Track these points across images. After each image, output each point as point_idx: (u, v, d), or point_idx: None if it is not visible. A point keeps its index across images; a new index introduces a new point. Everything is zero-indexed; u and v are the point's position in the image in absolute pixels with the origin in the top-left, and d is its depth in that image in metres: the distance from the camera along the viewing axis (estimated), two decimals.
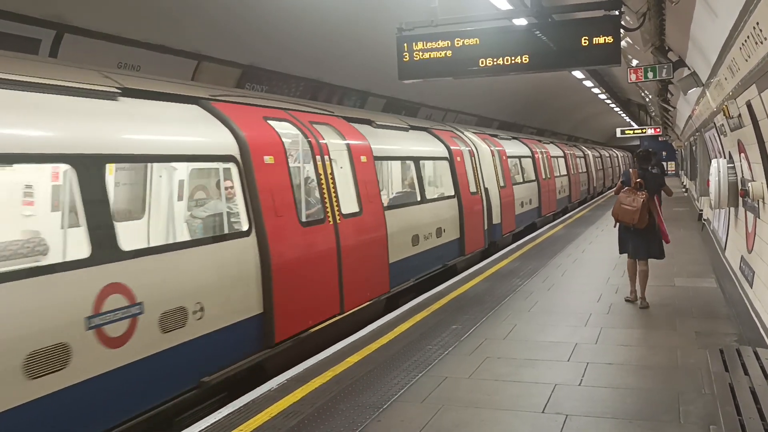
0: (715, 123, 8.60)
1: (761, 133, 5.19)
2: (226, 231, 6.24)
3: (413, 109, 14.45)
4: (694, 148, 19.01)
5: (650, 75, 8.29)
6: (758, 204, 6.01)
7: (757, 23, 3.47)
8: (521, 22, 6.87)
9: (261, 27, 8.17)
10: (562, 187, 21.05)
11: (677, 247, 11.58)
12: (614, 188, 7.90)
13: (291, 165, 6.54)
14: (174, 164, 6.76)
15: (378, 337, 6.42)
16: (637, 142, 42.27)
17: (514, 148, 16.34)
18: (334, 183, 7.11)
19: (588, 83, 20.09)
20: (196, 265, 5.05)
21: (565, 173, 22.36)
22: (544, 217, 17.80)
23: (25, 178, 5.95)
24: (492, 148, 13.81)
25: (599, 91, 22.78)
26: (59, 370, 3.88)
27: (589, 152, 29.27)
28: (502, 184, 13.61)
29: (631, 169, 7.55)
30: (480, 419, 4.38)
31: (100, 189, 4.37)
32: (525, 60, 6.06)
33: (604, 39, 5.77)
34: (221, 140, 5.72)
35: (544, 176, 18.23)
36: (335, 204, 7.05)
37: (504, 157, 14.39)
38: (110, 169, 5.19)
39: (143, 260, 4.58)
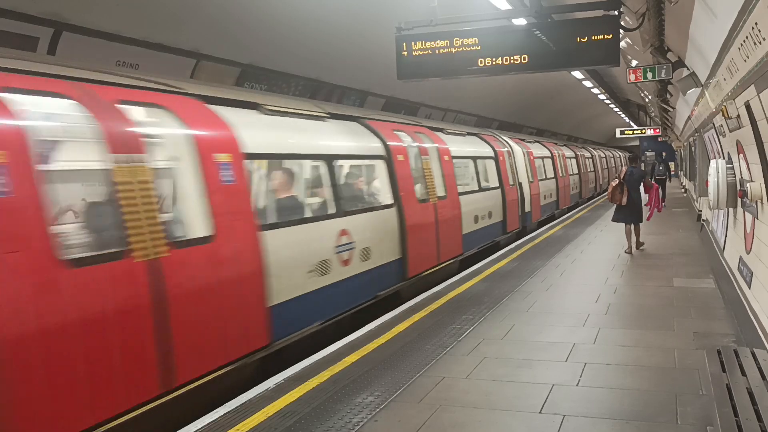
0: (714, 124, 8.59)
1: (760, 134, 5.18)
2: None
3: (412, 109, 14.44)
4: (693, 148, 19.00)
5: (649, 75, 8.29)
6: (757, 205, 6.00)
7: (756, 23, 3.46)
8: (520, 21, 6.87)
9: (260, 26, 8.16)
10: (478, 211, 11.91)
11: (676, 248, 11.60)
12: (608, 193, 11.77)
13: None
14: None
15: (376, 337, 6.42)
16: (637, 143, 42.33)
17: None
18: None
19: (587, 83, 20.11)
20: None
21: (494, 185, 13.24)
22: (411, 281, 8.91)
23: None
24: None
25: (599, 92, 22.81)
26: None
27: (553, 151, 20.08)
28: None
29: (624, 166, 11.76)
30: (477, 419, 4.37)
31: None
32: (524, 60, 6.07)
33: (603, 39, 5.77)
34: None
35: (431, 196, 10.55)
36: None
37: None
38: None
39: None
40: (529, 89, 19.45)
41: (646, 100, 23.41)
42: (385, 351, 5.95)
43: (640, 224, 11.33)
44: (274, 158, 6.70)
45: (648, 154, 37.59)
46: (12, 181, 3.70)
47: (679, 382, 4.88)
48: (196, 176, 5.06)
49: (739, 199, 7.06)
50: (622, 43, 10.05)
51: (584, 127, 38.51)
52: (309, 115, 7.40)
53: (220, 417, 4.54)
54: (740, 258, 7.16)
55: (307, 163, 7.50)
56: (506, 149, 14.75)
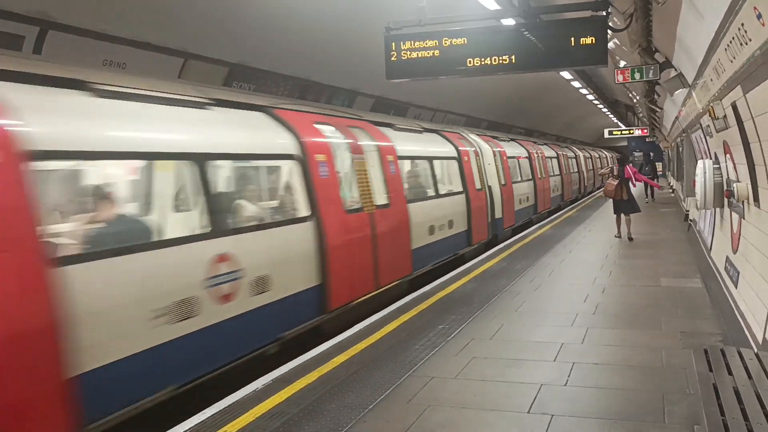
0: (701, 124, 8.64)
1: (746, 135, 5.22)
2: None
3: (402, 109, 14.44)
4: (680, 149, 19.12)
5: (637, 76, 8.32)
6: (743, 205, 6.04)
7: (742, 24, 3.48)
8: (509, 22, 6.88)
9: (249, 25, 8.12)
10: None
11: (664, 248, 11.67)
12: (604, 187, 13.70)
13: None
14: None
15: (365, 337, 6.40)
16: (625, 143, 42.63)
17: None
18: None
19: (576, 84, 20.18)
20: None
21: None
22: (335, 313, 7.66)
23: None
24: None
25: (587, 92, 22.91)
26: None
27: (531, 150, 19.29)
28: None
29: (614, 166, 13.31)
30: (466, 419, 4.37)
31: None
32: (513, 60, 6.07)
33: (591, 39, 5.79)
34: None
35: None
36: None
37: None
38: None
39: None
40: (518, 89, 19.49)
41: (634, 100, 23.52)
42: (374, 351, 5.94)
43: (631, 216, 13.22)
44: (99, 158, 4.78)
45: (636, 154, 37.83)
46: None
47: (666, 382, 4.90)
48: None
49: (725, 200, 7.12)
50: (610, 44, 10.09)
51: (573, 128, 38.67)
52: (177, 101, 5.65)
53: (207, 418, 4.51)
54: (727, 258, 7.21)
55: (164, 166, 5.81)
56: (473, 149, 13.25)
